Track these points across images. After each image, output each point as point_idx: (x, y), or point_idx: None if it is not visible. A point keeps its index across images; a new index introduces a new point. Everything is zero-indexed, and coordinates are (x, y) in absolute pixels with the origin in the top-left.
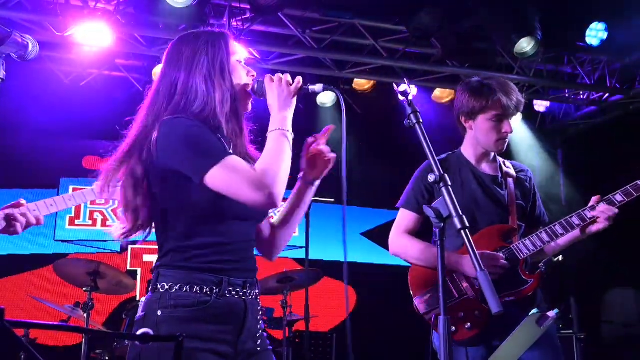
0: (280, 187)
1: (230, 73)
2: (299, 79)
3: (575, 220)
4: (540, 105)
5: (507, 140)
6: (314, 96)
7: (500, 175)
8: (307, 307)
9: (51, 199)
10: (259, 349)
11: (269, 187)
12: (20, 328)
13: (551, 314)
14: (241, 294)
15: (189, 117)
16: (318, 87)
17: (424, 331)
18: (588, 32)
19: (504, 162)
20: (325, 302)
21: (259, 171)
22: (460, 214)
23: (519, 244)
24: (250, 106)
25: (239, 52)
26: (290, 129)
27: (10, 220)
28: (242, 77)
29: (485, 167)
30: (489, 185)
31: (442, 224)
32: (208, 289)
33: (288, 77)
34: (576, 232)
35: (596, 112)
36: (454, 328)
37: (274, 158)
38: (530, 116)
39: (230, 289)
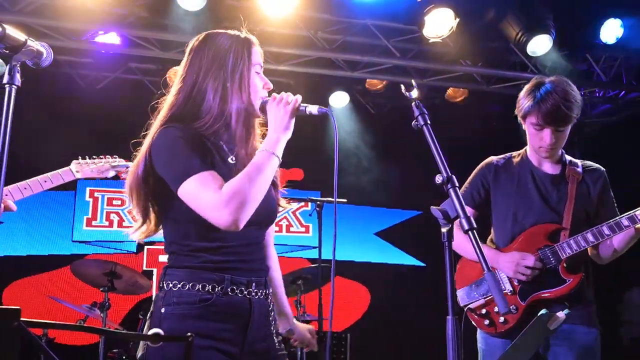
0: (245, 211)
1: (248, 85)
2: (296, 98)
3: (625, 221)
4: None
5: (551, 149)
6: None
7: (561, 174)
8: (320, 306)
9: (25, 182)
10: (270, 351)
11: (232, 211)
12: (35, 328)
13: (560, 314)
14: (245, 292)
15: (184, 126)
16: (314, 108)
17: (437, 330)
18: (603, 29)
19: (570, 160)
20: (339, 302)
21: (228, 191)
22: (468, 215)
23: (563, 243)
24: (261, 115)
25: (259, 61)
26: (280, 153)
27: None
28: (259, 89)
29: (547, 166)
30: (546, 185)
31: (450, 225)
32: (210, 287)
33: (289, 97)
34: (630, 232)
35: (612, 110)
36: (488, 321)
37: (249, 180)
38: None
39: (234, 287)
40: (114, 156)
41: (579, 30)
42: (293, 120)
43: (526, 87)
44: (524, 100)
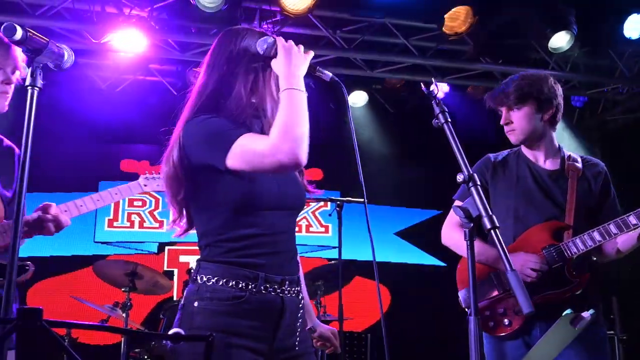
0: (300, 143)
1: (273, 80)
2: (310, 52)
3: (633, 219)
4: (578, 101)
5: (514, 131)
6: (319, 78)
7: (560, 169)
8: (340, 307)
9: (81, 199)
10: (297, 349)
11: (289, 147)
12: (56, 327)
13: (586, 314)
14: (279, 291)
15: (211, 115)
16: (327, 74)
17: (458, 330)
18: (627, 24)
19: (569, 155)
20: (360, 303)
21: (274, 134)
22: (490, 213)
23: (568, 242)
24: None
25: None
26: (304, 89)
27: (42, 224)
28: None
29: (545, 162)
30: (546, 181)
31: (472, 225)
32: (244, 284)
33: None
34: (638, 231)
35: (636, 106)
36: (492, 323)
37: (289, 116)
38: (568, 112)
39: (267, 285)
40: None
41: (601, 25)
42: (305, 70)
43: None
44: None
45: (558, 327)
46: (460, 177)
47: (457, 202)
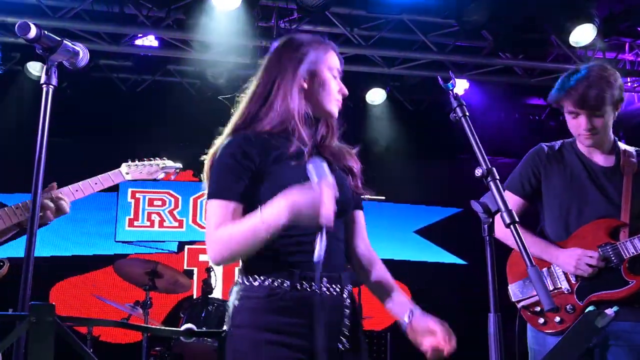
0: (226, 259)
1: (323, 86)
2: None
3: None
4: None
5: (591, 135)
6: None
7: (615, 165)
8: (359, 306)
9: (77, 184)
10: (340, 347)
11: (215, 254)
12: (69, 323)
13: (609, 311)
14: (315, 287)
15: (245, 136)
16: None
17: (478, 330)
18: None
19: (624, 150)
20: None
21: (221, 233)
22: (509, 208)
23: (626, 242)
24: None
25: (337, 65)
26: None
27: (43, 207)
28: (333, 92)
29: (599, 157)
30: (601, 178)
31: (491, 219)
32: (280, 282)
33: (327, 200)
34: None
35: None
36: (543, 320)
37: (240, 235)
38: None
39: (303, 282)
40: (163, 158)
41: (624, 17)
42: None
43: (563, 76)
44: (556, 91)
45: (580, 325)
46: (478, 172)
47: (509, 193)
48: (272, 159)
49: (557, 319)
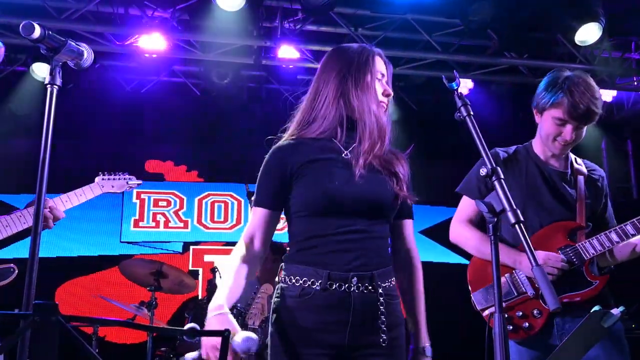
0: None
1: (367, 89)
2: None
3: None
4: (607, 95)
5: (568, 145)
6: None
7: (570, 172)
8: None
9: (65, 195)
10: (376, 346)
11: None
12: (76, 323)
13: (616, 311)
14: (345, 287)
15: (290, 141)
16: None
17: (483, 331)
18: None
19: (575, 158)
20: None
21: (232, 256)
22: (514, 207)
23: (585, 243)
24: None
25: (382, 69)
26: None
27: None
28: (378, 94)
29: (554, 163)
30: (557, 182)
31: (495, 219)
32: (311, 282)
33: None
34: None
35: None
36: (510, 327)
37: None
38: None
39: (332, 282)
40: (131, 177)
41: (630, 16)
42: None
43: (548, 80)
44: (545, 93)
45: (586, 325)
46: (483, 171)
47: (465, 197)
48: (308, 162)
49: (526, 324)
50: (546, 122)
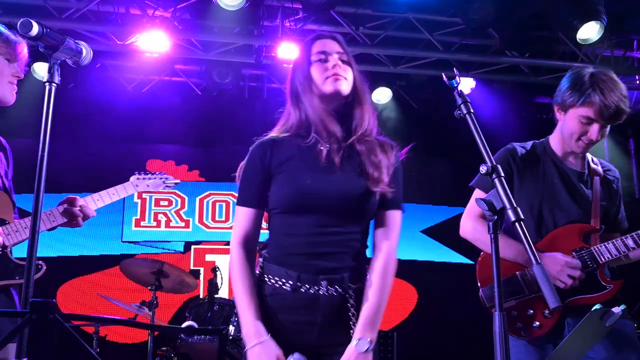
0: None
1: (309, 78)
2: None
3: None
4: None
5: (591, 144)
6: None
7: (587, 172)
8: None
9: (97, 193)
10: (342, 342)
11: (229, 264)
12: (72, 321)
13: (617, 309)
14: (315, 289)
15: (269, 139)
16: None
17: (485, 329)
18: None
19: (592, 158)
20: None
21: (232, 261)
22: (515, 205)
23: (600, 247)
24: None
25: (321, 48)
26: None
27: (72, 215)
28: (320, 76)
29: (572, 162)
30: (574, 182)
31: (496, 217)
32: (282, 282)
33: None
34: None
35: None
36: (520, 325)
37: (235, 287)
38: None
39: (300, 283)
40: (168, 176)
41: (632, 15)
42: None
43: (573, 77)
44: (573, 92)
45: (587, 323)
46: (483, 169)
47: (478, 191)
48: (284, 160)
49: (536, 323)
50: (571, 120)
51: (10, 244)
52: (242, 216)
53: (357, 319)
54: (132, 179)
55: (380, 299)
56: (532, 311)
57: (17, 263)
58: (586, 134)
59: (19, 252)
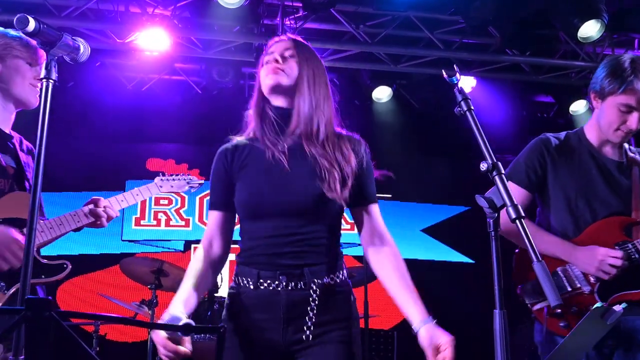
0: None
1: (259, 81)
2: None
3: None
4: None
5: (630, 134)
6: None
7: (625, 161)
8: (366, 304)
9: (121, 194)
10: (309, 340)
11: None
12: (66, 318)
13: (618, 307)
14: (274, 285)
15: (220, 150)
16: None
17: (485, 329)
18: None
19: (629, 147)
20: (386, 300)
21: (195, 256)
22: (515, 202)
23: None
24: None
25: (271, 50)
26: None
27: (97, 215)
28: (262, 77)
29: (609, 151)
30: (612, 172)
31: (496, 214)
32: (246, 281)
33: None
34: None
35: None
36: (564, 323)
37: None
38: None
39: (262, 281)
40: (192, 177)
41: (633, 13)
42: None
43: (612, 64)
44: (613, 79)
45: (586, 322)
46: (483, 166)
47: (513, 185)
48: (241, 165)
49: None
50: (610, 108)
51: (36, 244)
52: (209, 218)
53: (318, 316)
54: (156, 180)
55: (408, 282)
56: (575, 308)
57: (44, 263)
58: (625, 123)
59: (44, 251)
